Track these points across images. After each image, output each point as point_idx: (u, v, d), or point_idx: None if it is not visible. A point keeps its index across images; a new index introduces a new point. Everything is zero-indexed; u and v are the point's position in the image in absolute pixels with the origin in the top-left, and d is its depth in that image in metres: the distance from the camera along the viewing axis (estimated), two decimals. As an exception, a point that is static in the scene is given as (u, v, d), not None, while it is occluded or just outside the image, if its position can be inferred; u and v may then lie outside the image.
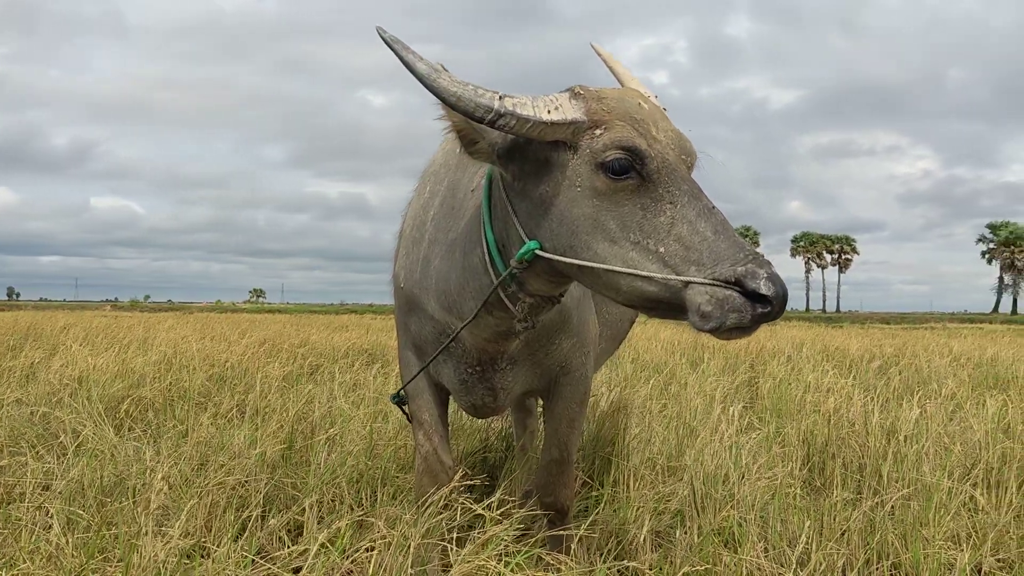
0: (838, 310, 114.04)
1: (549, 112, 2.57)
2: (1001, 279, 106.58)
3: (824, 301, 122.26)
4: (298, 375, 8.96)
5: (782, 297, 2.38)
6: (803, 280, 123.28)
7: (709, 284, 2.40)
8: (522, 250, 2.70)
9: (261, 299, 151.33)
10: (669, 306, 2.53)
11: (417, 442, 3.72)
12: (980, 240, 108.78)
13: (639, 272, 2.52)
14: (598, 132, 2.60)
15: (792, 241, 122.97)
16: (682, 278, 2.45)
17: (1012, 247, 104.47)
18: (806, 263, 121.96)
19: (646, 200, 2.56)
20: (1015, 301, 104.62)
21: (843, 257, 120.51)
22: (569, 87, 2.71)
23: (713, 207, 2.56)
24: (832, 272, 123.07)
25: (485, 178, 2.89)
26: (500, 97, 2.54)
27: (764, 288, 2.35)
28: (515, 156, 2.72)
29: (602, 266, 2.57)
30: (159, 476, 3.42)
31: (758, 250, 2.53)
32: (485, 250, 2.90)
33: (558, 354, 3.54)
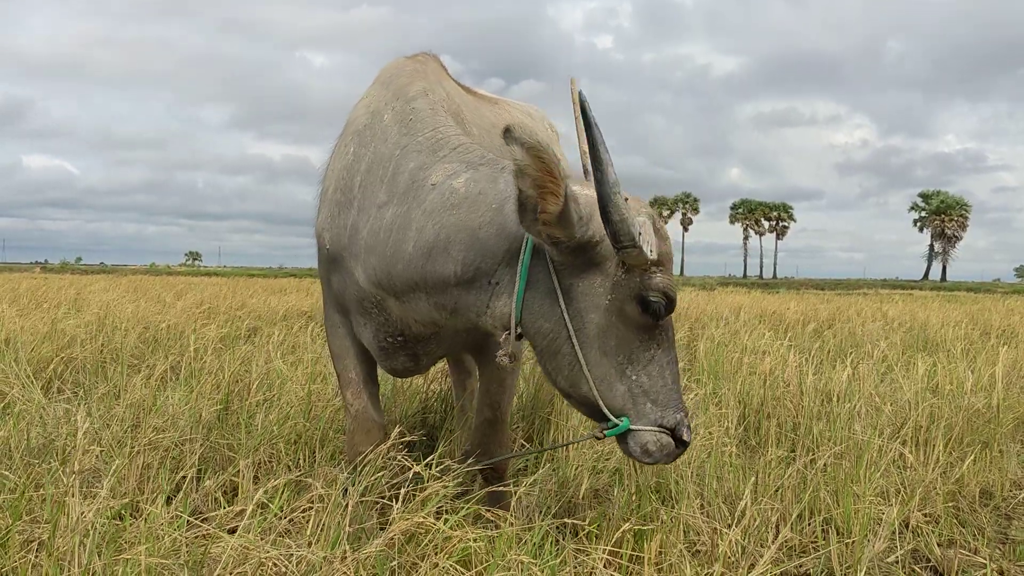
0: (775, 276, 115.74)
1: (651, 251, 2.73)
2: (931, 247, 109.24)
3: (761, 267, 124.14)
4: (235, 337, 8.82)
5: (688, 445, 2.90)
6: (741, 247, 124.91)
7: (656, 430, 2.81)
8: (618, 427, 2.83)
9: (197, 262, 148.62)
10: (593, 411, 2.91)
11: (346, 401, 3.68)
12: (912, 208, 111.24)
13: (595, 388, 2.83)
14: (655, 270, 2.78)
15: (731, 208, 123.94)
16: (644, 424, 2.82)
17: (942, 216, 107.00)
18: (744, 230, 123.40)
19: (645, 336, 2.83)
20: (944, 268, 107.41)
21: (780, 224, 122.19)
22: (650, 214, 2.85)
23: (677, 359, 2.94)
24: (769, 239, 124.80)
25: (527, 244, 2.83)
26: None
27: (687, 437, 2.84)
28: (575, 248, 2.76)
29: (585, 369, 2.82)
30: (80, 433, 3.33)
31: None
32: (512, 303, 2.89)
33: None
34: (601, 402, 2.83)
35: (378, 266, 3.16)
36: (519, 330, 2.90)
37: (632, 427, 2.82)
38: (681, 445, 2.85)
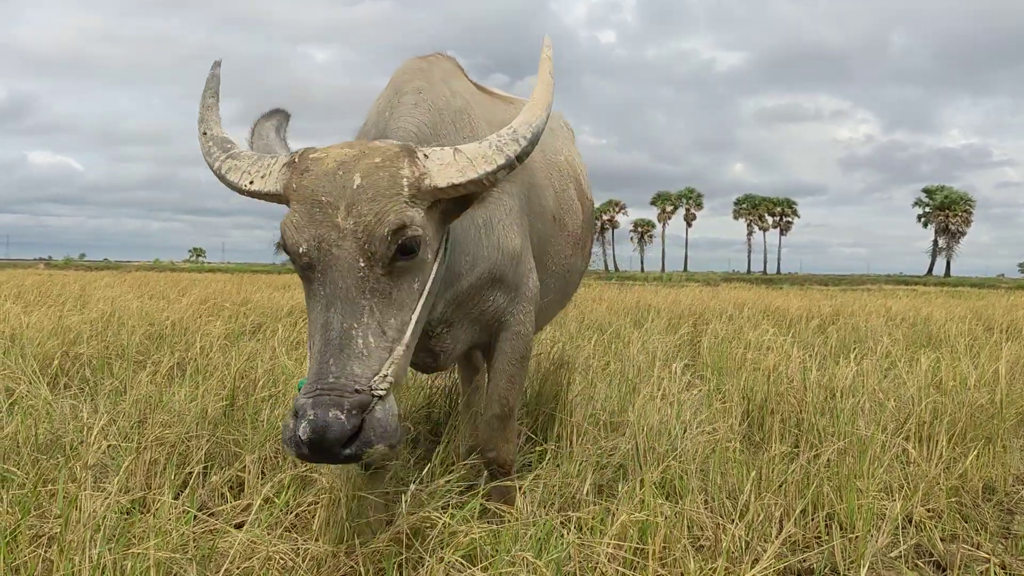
0: (778, 272, 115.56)
1: (252, 182, 2.67)
2: (935, 242, 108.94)
3: (765, 263, 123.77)
4: (240, 333, 8.85)
5: (314, 444, 2.27)
6: (745, 242, 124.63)
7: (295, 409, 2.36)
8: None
9: (201, 258, 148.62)
10: None
11: None
12: (916, 204, 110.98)
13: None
14: (289, 208, 2.64)
15: (735, 203, 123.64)
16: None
17: (947, 211, 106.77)
18: (748, 225, 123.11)
19: (308, 286, 2.60)
20: (948, 264, 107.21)
21: (784, 220, 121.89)
22: (296, 151, 2.73)
23: (330, 323, 2.43)
24: (773, 235, 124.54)
25: None
26: (225, 158, 2.69)
27: (300, 431, 2.27)
28: None
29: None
30: (95, 431, 3.35)
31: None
32: None
33: (493, 309, 3.55)
34: None
35: None
36: None
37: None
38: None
